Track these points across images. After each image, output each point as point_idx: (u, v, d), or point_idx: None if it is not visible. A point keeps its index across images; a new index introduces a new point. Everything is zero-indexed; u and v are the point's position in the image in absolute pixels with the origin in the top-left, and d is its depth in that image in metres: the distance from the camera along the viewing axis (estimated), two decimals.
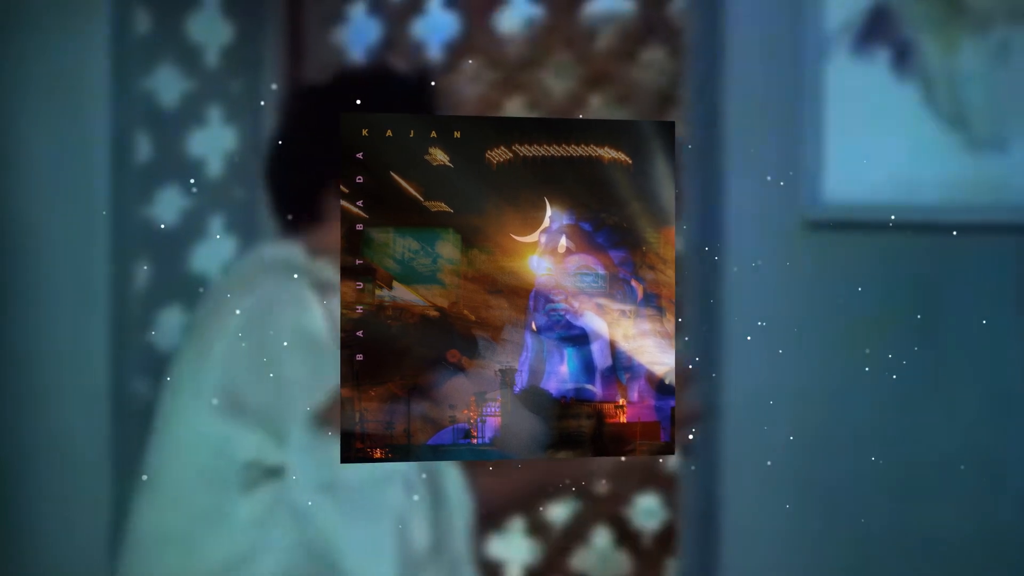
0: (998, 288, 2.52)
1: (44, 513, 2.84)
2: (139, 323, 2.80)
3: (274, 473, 2.00)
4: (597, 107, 2.86)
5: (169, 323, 2.82)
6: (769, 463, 2.55)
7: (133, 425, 2.75)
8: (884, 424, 2.64)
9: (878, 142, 2.45)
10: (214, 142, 2.79)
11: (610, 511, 3.25)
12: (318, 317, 1.97)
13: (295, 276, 1.99)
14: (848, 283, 2.54)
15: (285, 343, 1.96)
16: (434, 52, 2.74)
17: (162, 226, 2.62)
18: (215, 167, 2.80)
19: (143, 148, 2.76)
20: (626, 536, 3.33)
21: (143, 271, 2.79)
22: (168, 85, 2.79)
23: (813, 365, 2.57)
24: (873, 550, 2.67)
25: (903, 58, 2.38)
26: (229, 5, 2.79)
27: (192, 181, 2.67)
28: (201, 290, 2.68)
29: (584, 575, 3.35)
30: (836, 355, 2.51)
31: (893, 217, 2.44)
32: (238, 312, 2.02)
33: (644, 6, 2.73)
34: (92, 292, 2.77)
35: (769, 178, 2.52)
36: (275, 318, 1.99)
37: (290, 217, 2.08)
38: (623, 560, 3.33)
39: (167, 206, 2.76)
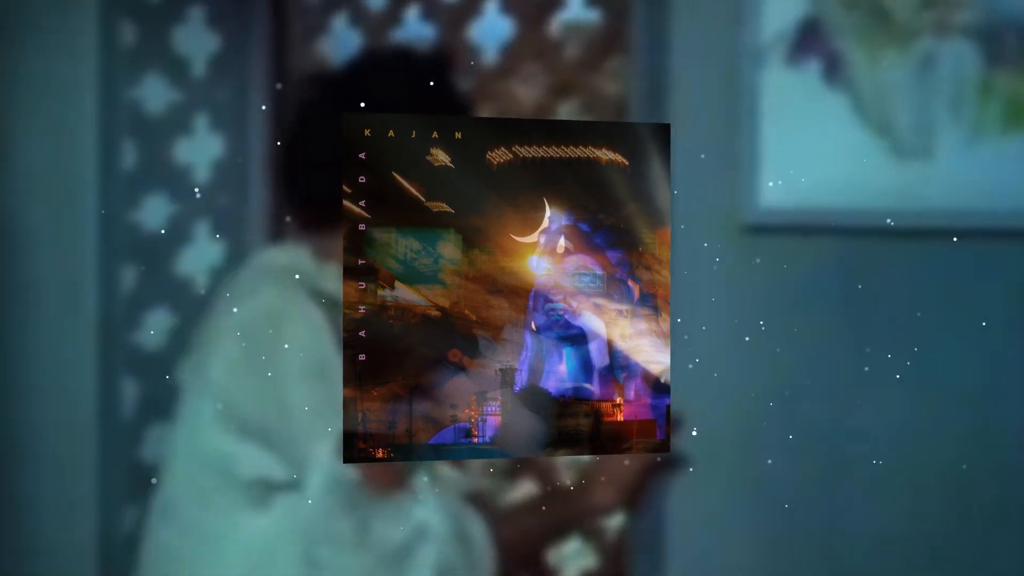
0: (926, 289, 2.48)
1: (30, 512, 2.75)
2: (125, 324, 2.72)
3: (284, 488, 1.91)
4: (566, 114, 2.80)
5: (156, 325, 2.74)
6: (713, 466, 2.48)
7: (120, 425, 2.67)
8: (824, 424, 2.58)
9: (812, 149, 2.41)
10: (201, 150, 2.70)
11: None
12: (325, 337, 1.88)
13: (297, 281, 1.90)
14: (786, 285, 2.49)
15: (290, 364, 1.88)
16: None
17: (162, 232, 2.54)
18: (202, 174, 2.71)
19: (130, 155, 2.68)
20: None
21: (130, 274, 2.70)
22: (155, 94, 2.70)
23: (751, 367, 2.51)
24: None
25: (833, 68, 2.34)
26: (214, 17, 2.71)
27: (196, 190, 2.58)
28: (203, 292, 2.60)
29: None
30: (773, 358, 2.45)
31: (829, 222, 2.39)
32: (238, 333, 1.92)
33: (609, 17, 2.67)
34: (80, 294, 2.68)
35: (708, 184, 2.46)
36: (280, 335, 1.91)
37: (288, 219, 1.99)
38: None
39: (154, 211, 2.67)
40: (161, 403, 2.45)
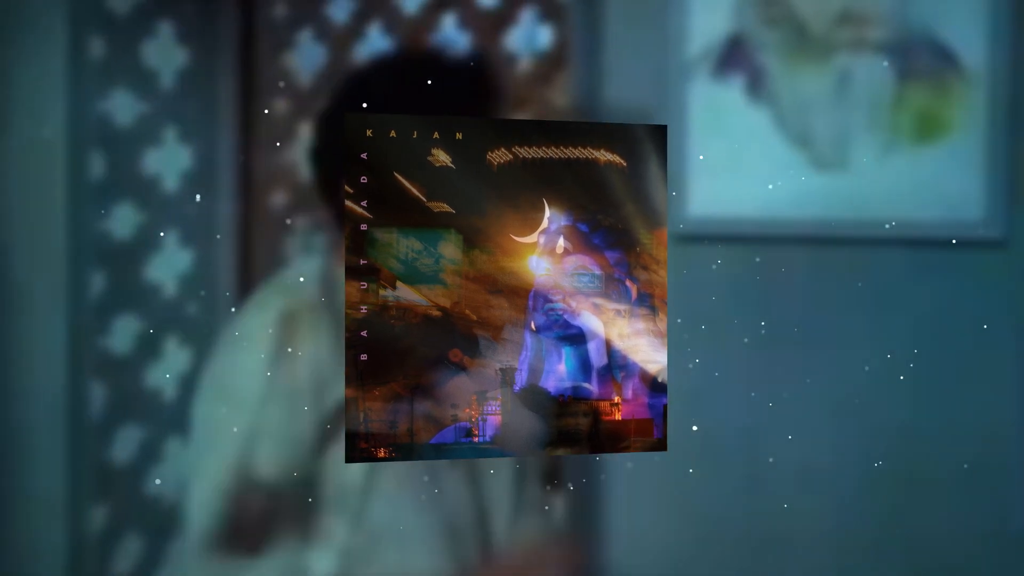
0: (848, 295, 2.43)
1: (1, 513, 2.66)
2: (94, 329, 2.63)
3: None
4: None
5: (124, 329, 2.65)
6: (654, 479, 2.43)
7: (89, 426, 2.59)
8: (754, 430, 2.53)
9: (737, 161, 2.37)
10: (169, 160, 2.62)
11: None
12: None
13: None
14: (714, 293, 2.43)
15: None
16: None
17: (161, 234, 2.46)
18: (170, 183, 2.63)
19: (99, 165, 2.59)
20: None
21: (98, 280, 2.62)
22: (123, 107, 2.61)
23: (680, 376, 2.45)
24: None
25: (756, 83, 2.31)
26: (183, 31, 2.63)
27: (198, 197, 2.50)
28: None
29: None
30: (700, 366, 2.39)
31: (752, 231, 2.35)
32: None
33: (560, 35, 2.61)
34: (51, 300, 2.60)
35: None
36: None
37: (288, 221, 1.90)
38: None
39: (122, 220, 2.59)
40: (128, 405, 2.37)
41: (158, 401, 2.58)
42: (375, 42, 2.62)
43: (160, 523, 2.33)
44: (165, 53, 2.65)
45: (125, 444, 2.59)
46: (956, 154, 2.31)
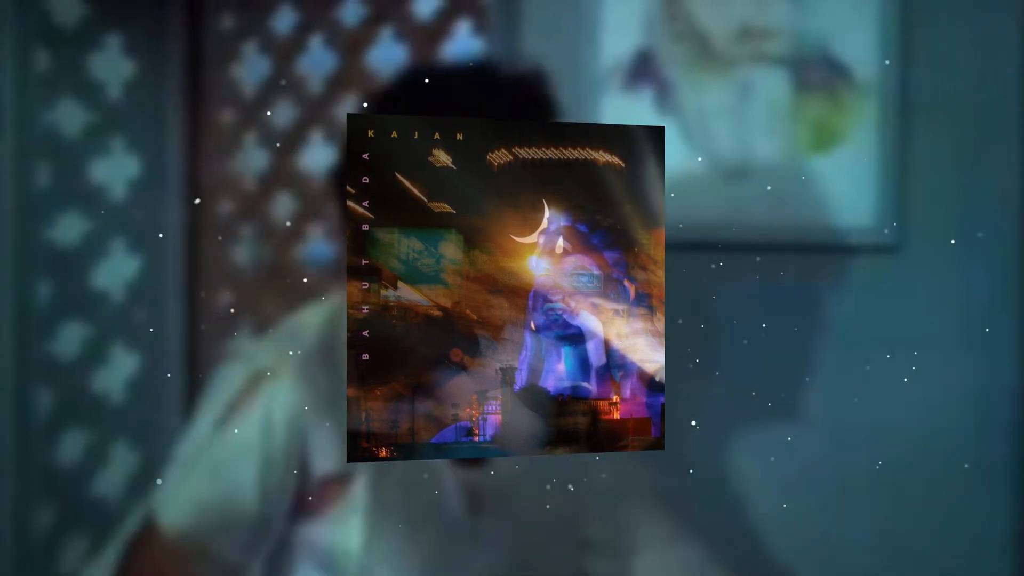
0: (756, 298, 2.41)
1: None
2: (41, 336, 2.54)
3: None
4: None
5: (70, 336, 2.56)
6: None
7: (35, 431, 2.50)
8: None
9: None
10: (116, 170, 2.53)
11: None
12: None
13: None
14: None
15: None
16: (315, 84, 2.54)
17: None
18: (118, 192, 2.54)
19: (45, 175, 2.49)
20: None
21: (45, 288, 2.52)
22: (71, 117, 2.52)
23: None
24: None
25: (664, 95, 2.31)
26: (130, 44, 2.54)
27: (197, 200, 2.42)
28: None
29: None
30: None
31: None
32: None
33: (497, 48, 2.57)
34: None
35: None
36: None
37: (288, 224, 1.80)
38: None
39: (68, 228, 2.49)
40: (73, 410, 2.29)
41: (105, 405, 2.50)
42: (316, 56, 2.56)
43: (105, 524, 2.25)
44: (112, 65, 2.56)
45: (70, 448, 2.50)
46: (849, 162, 2.31)
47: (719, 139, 2.32)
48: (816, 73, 2.32)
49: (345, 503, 1.62)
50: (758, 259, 2.35)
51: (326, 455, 1.61)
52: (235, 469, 1.60)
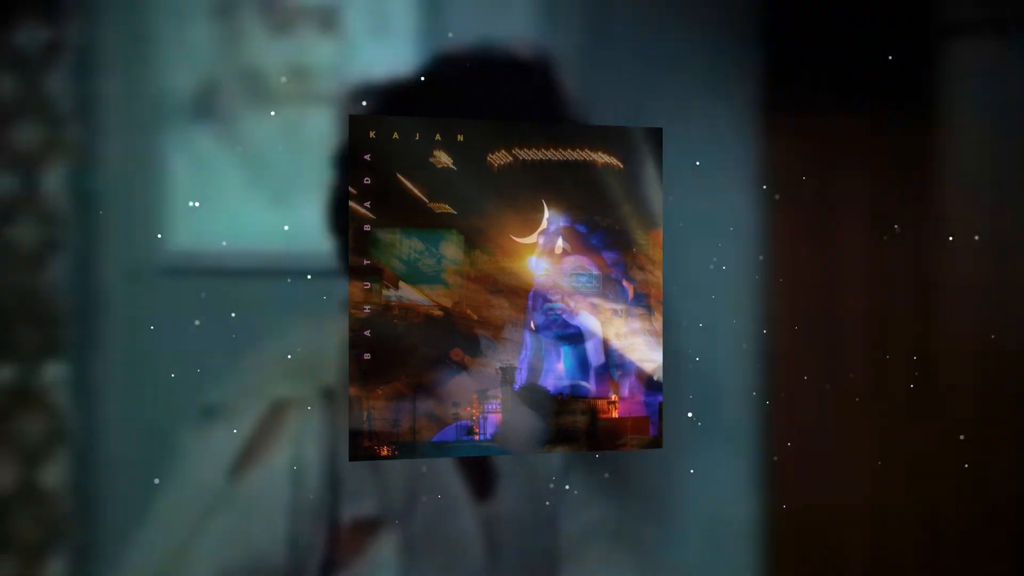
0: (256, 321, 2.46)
1: None
2: None
3: None
4: None
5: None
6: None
7: None
8: None
9: (214, 200, 2.42)
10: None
11: None
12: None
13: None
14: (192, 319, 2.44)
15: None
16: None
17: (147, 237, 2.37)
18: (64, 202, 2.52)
19: None
20: None
21: None
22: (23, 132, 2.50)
23: None
24: None
25: (225, 130, 2.37)
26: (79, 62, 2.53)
27: (196, 203, 2.42)
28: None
29: None
30: None
31: (227, 263, 2.36)
32: None
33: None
34: None
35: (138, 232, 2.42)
36: None
37: (286, 227, 1.73)
38: None
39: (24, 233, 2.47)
40: None
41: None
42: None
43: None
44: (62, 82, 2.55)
45: None
46: None
47: (270, 171, 2.42)
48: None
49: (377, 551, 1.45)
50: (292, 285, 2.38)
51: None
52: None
